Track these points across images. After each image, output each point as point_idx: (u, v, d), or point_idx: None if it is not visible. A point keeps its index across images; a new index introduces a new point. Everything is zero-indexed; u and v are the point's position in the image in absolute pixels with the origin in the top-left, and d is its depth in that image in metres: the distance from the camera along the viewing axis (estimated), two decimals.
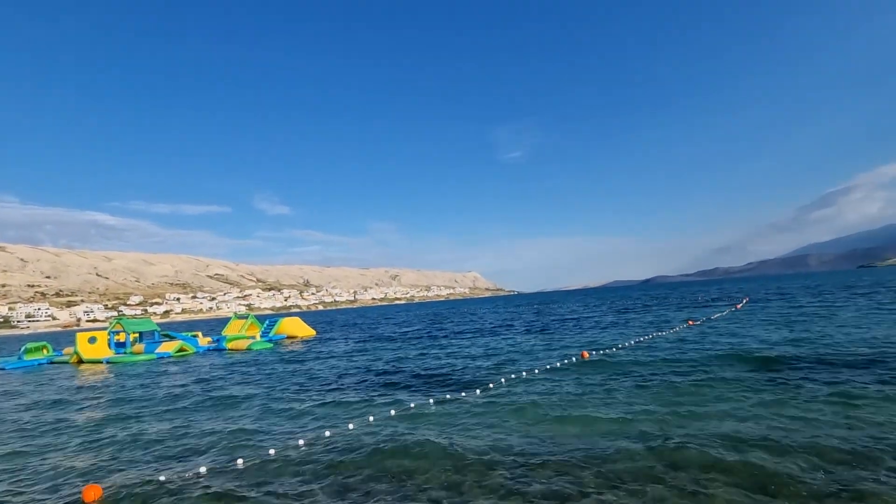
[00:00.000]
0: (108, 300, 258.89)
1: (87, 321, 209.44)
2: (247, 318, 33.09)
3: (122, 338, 26.84)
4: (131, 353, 24.97)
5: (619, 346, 15.27)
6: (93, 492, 5.47)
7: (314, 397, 10.78)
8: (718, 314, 24.80)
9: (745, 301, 33.99)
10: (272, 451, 6.82)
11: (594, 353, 13.96)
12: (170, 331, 31.87)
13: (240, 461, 6.52)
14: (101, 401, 12.53)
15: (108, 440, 8.31)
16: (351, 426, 7.86)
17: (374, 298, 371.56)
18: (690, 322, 21.19)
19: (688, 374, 10.12)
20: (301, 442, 7.18)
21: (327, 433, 7.55)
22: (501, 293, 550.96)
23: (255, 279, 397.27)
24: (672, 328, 19.45)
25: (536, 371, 11.71)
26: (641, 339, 16.60)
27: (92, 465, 6.97)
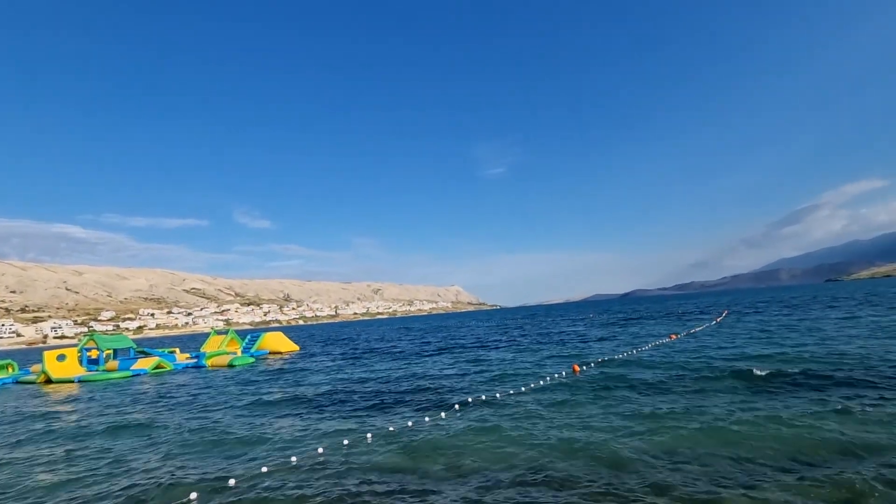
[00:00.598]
0: (78, 316, 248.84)
1: (55, 338, 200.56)
2: (227, 333, 32.21)
3: (94, 354, 25.78)
4: (105, 370, 23.97)
5: (607, 358, 15.40)
6: None
7: (304, 415, 10.51)
8: (700, 327, 25.29)
9: (724, 314, 34.79)
10: (265, 469, 6.60)
11: (584, 367, 14.03)
12: (146, 347, 30.75)
13: (231, 481, 6.29)
14: (81, 422, 11.95)
15: (86, 469, 7.91)
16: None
17: (355, 313, 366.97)
18: (673, 336, 21.54)
19: (676, 388, 10.25)
20: (294, 459, 6.97)
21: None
22: (484, 307, 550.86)
23: (233, 293, 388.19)
24: (657, 341, 19.72)
25: (523, 389, 11.68)
26: (629, 352, 16.78)
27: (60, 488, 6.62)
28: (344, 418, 9.74)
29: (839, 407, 7.49)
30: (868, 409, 7.34)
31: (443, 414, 9.23)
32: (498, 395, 10.66)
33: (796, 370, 10.78)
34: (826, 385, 9.17)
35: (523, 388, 11.20)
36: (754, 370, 10.97)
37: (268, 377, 18.26)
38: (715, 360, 13.17)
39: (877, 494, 4.58)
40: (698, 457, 5.95)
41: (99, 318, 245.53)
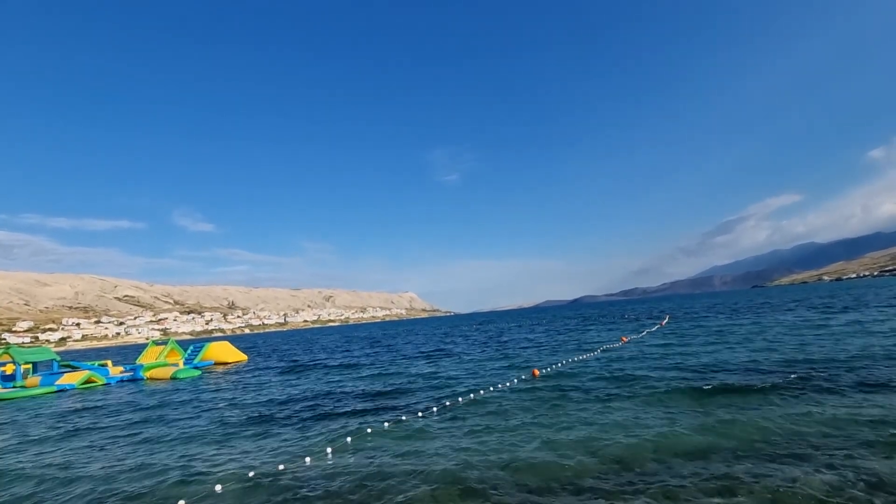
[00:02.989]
0: None
1: None
2: (166, 343, 30.06)
3: (10, 370, 23.21)
4: (23, 386, 21.59)
5: (563, 362, 15.81)
6: None
7: (258, 429, 9.95)
8: (647, 331, 26.64)
9: (667, 319, 36.93)
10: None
11: (544, 370, 14.31)
12: (71, 360, 28.05)
13: (182, 502, 5.81)
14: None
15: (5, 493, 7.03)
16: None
17: (306, 321, 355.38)
18: (623, 339, 22.53)
19: (630, 388, 10.67)
20: (251, 474, 6.55)
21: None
22: (438, 314, 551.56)
23: (171, 301, 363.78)
24: (608, 345, 20.52)
25: (482, 392, 11.73)
26: (582, 356, 17.32)
27: None
28: (300, 430, 9.31)
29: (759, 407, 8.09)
30: (819, 408, 7.98)
31: (404, 417, 9.06)
32: (447, 402, 10.62)
33: (738, 368, 11.56)
34: (758, 383, 9.90)
35: (482, 392, 11.24)
36: (697, 371, 11.61)
37: (216, 390, 17.17)
38: (665, 362, 13.89)
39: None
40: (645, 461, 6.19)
41: (14, 330, 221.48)
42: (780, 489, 4.88)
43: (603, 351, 18.30)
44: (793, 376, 10.06)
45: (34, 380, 21.94)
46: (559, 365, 15.27)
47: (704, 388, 9.72)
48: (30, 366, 23.65)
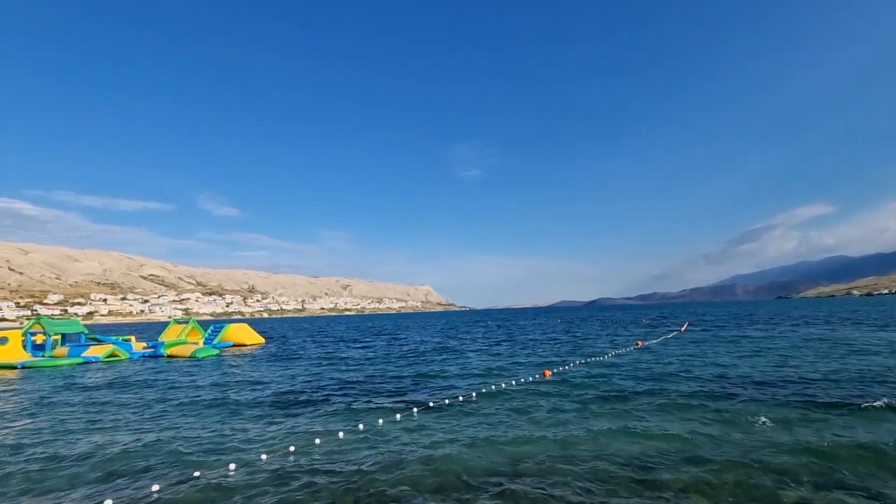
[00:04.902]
0: (21, 298, 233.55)
1: None
2: (188, 322, 30.92)
3: (40, 339, 24.19)
4: (52, 356, 22.51)
5: (576, 363, 15.65)
6: None
7: (274, 412, 10.15)
8: (664, 336, 26.14)
9: (686, 325, 36.15)
10: (232, 466, 6.30)
11: (556, 370, 14.20)
12: (97, 334, 29.09)
13: (196, 472, 5.98)
14: (21, 410, 11.12)
15: (34, 457, 7.34)
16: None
17: (323, 308, 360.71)
18: (639, 343, 22.17)
19: (643, 393, 10.48)
20: (264, 457, 6.69)
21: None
22: (453, 308, 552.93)
23: (194, 282, 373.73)
24: (624, 348, 20.22)
25: (493, 387, 11.70)
26: (597, 358, 17.12)
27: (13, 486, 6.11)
28: (315, 417, 9.45)
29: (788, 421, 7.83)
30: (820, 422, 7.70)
31: (414, 410, 9.11)
32: (460, 396, 10.63)
33: (755, 381, 11.24)
34: (772, 396, 9.59)
35: (493, 387, 11.21)
36: (714, 378, 11.31)
37: (233, 370, 17.59)
38: (679, 368, 13.61)
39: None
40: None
41: (45, 302, 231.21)
42: None
43: (616, 355, 18.04)
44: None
45: (62, 350, 22.85)
46: (571, 366, 15.12)
47: (723, 397, 9.48)
48: (59, 337, 24.61)
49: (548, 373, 13.67)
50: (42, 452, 7.39)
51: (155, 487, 5.69)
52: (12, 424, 9.53)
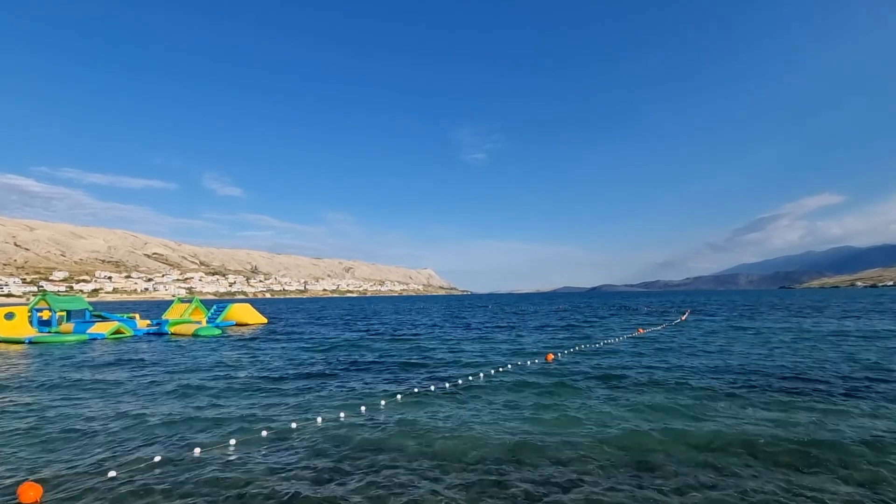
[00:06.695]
0: (27, 274, 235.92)
1: (0, 296, 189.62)
2: (191, 301, 31.14)
3: (46, 315, 24.42)
4: (58, 332, 22.76)
5: (578, 348, 15.70)
6: (32, 491, 4.70)
7: (276, 389, 10.23)
8: (667, 323, 26.17)
9: (688, 313, 36.18)
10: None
11: (558, 354, 14.24)
12: (102, 311, 29.37)
13: (197, 450, 6.04)
14: (32, 385, 11.26)
15: (45, 431, 7.43)
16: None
17: (325, 290, 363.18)
18: (640, 330, 22.21)
19: (644, 380, 10.50)
20: (264, 433, 6.74)
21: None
22: (455, 292, 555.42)
23: (198, 262, 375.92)
24: (625, 335, 20.26)
25: (492, 372, 11.74)
26: (599, 343, 17.16)
27: (27, 458, 6.19)
28: (316, 397, 9.52)
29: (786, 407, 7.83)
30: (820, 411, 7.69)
31: (416, 389, 9.16)
32: (460, 379, 10.67)
33: (754, 371, 11.24)
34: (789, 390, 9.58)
35: (492, 371, 11.26)
36: (716, 368, 11.31)
37: (235, 349, 17.75)
38: (681, 355, 13.63)
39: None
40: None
41: (50, 279, 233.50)
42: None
43: (617, 342, 18.07)
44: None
45: (68, 326, 23.09)
46: (571, 351, 15.16)
47: (731, 386, 9.48)
48: (64, 313, 24.84)
49: (550, 357, 13.71)
50: (49, 425, 7.49)
51: (157, 458, 5.75)
52: (20, 398, 9.65)
